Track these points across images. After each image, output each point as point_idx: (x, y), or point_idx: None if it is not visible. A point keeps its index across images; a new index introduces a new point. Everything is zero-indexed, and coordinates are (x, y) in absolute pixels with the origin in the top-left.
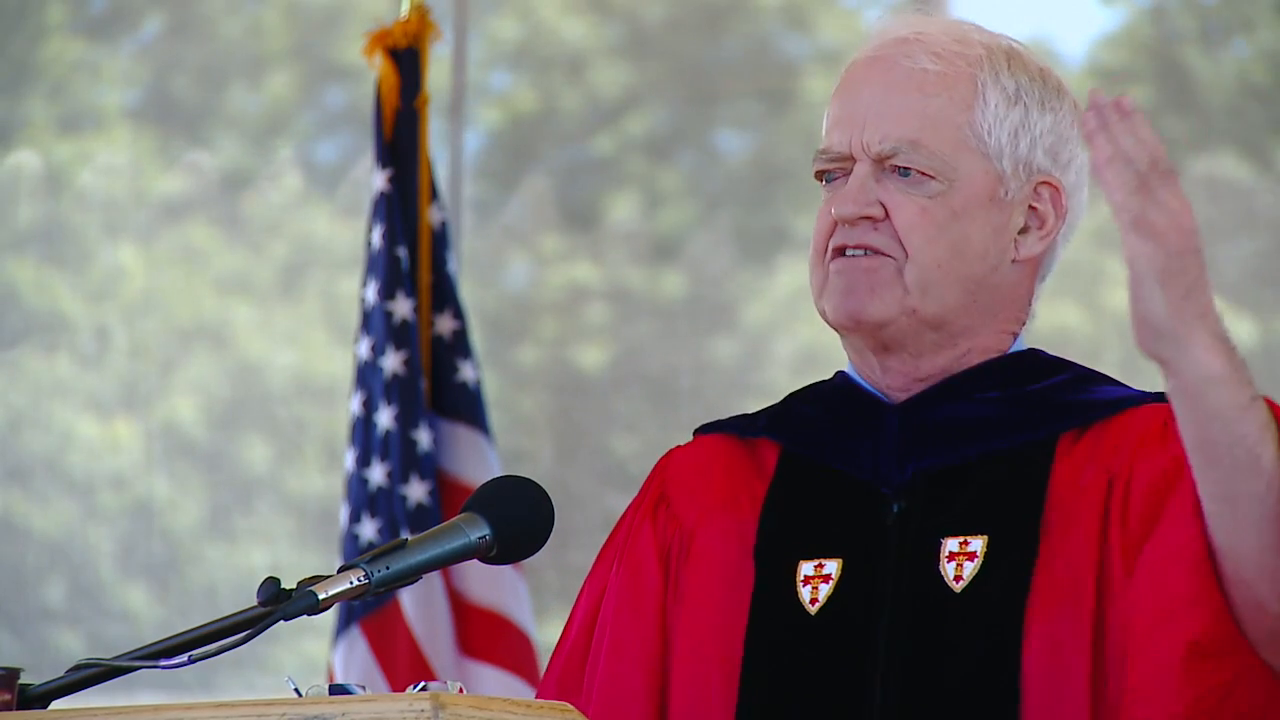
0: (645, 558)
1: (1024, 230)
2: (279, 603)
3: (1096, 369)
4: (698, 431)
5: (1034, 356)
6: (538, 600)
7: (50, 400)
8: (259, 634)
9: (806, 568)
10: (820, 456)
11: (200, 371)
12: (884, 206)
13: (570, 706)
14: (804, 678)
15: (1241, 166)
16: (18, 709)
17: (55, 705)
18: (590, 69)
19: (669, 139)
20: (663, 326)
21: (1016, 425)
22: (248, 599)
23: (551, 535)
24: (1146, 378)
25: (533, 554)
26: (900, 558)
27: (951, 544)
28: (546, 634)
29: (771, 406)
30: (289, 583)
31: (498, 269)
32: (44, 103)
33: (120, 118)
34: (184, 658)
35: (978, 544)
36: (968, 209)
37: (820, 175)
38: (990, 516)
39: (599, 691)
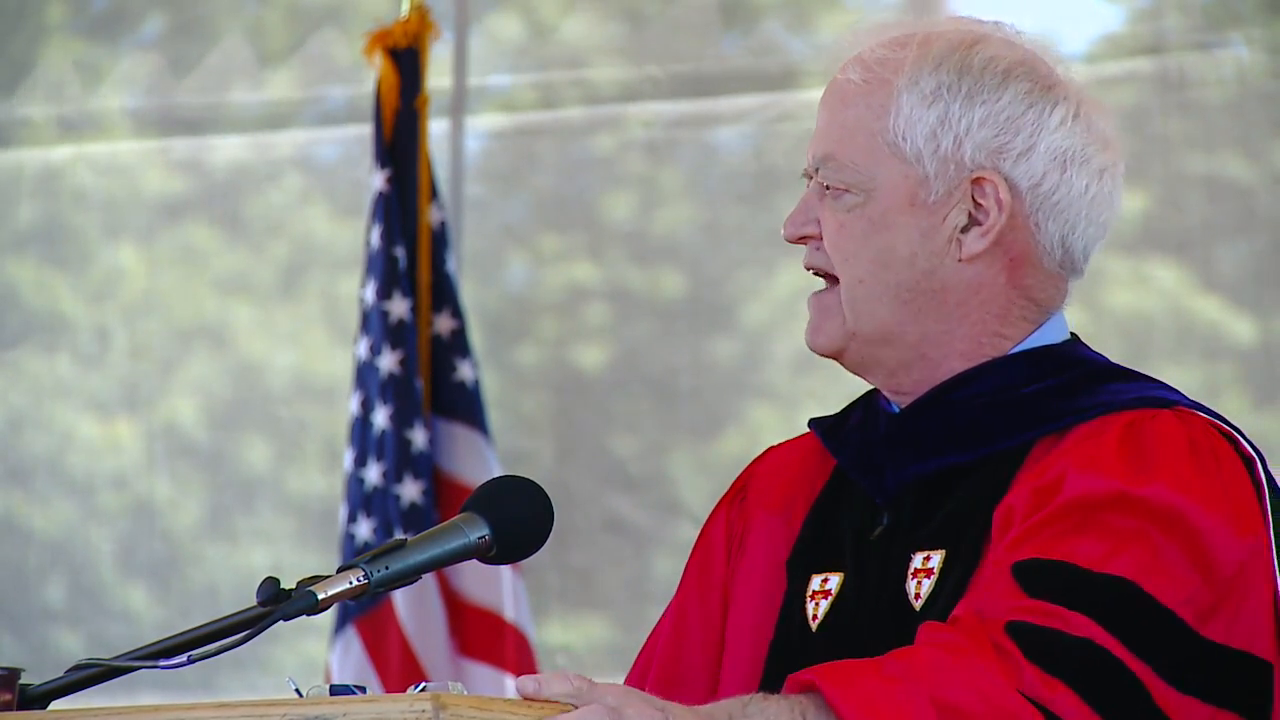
0: (716, 545)
1: (967, 228)
2: (278, 603)
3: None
4: (810, 423)
5: (1041, 354)
6: (538, 601)
7: (51, 401)
8: (258, 634)
9: (815, 582)
10: (846, 466)
11: (200, 372)
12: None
13: (570, 705)
14: None
15: (1241, 166)
16: (18, 709)
17: (55, 705)
18: (590, 68)
19: (669, 139)
20: (662, 326)
21: (992, 432)
22: (248, 599)
23: (551, 535)
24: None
25: (532, 554)
26: (882, 574)
27: (917, 560)
28: (547, 635)
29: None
30: (289, 583)
31: (498, 269)
32: (44, 103)
33: (120, 118)
34: (184, 658)
35: (937, 559)
36: (887, 217)
37: None
38: (952, 530)
39: (659, 660)
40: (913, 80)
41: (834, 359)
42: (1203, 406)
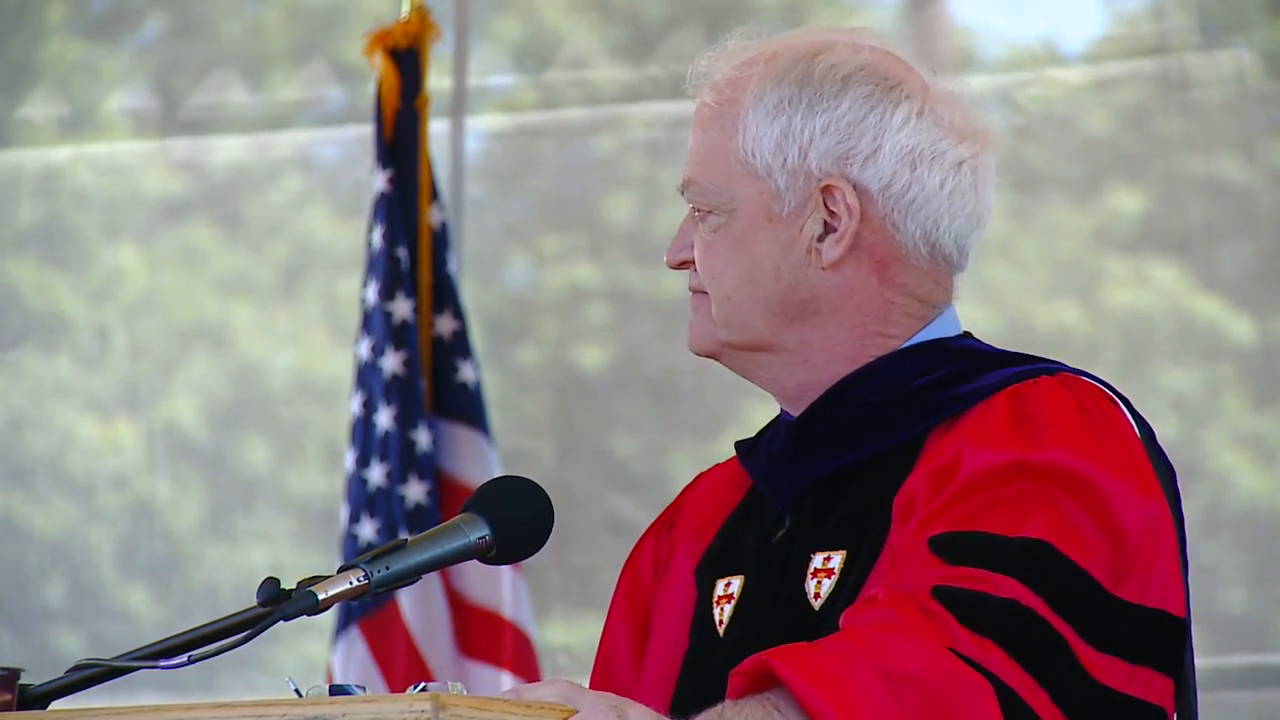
0: (643, 572)
1: (823, 236)
2: (278, 603)
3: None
4: (735, 445)
5: (931, 348)
6: (540, 601)
7: (51, 401)
8: (258, 634)
9: (720, 586)
10: (755, 479)
11: (201, 372)
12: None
13: (569, 706)
14: (714, 701)
15: (1241, 166)
16: (18, 709)
17: (55, 705)
18: (591, 69)
19: (670, 139)
20: (663, 327)
21: (885, 427)
22: (249, 599)
23: (553, 536)
24: (1147, 378)
25: (532, 554)
26: (781, 575)
27: (817, 560)
28: (549, 635)
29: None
30: (290, 583)
31: (498, 269)
32: (44, 103)
33: (121, 118)
34: (184, 658)
35: (837, 560)
36: (748, 234)
37: None
38: (852, 529)
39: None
40: (757, 97)
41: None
42: (1088, 373)
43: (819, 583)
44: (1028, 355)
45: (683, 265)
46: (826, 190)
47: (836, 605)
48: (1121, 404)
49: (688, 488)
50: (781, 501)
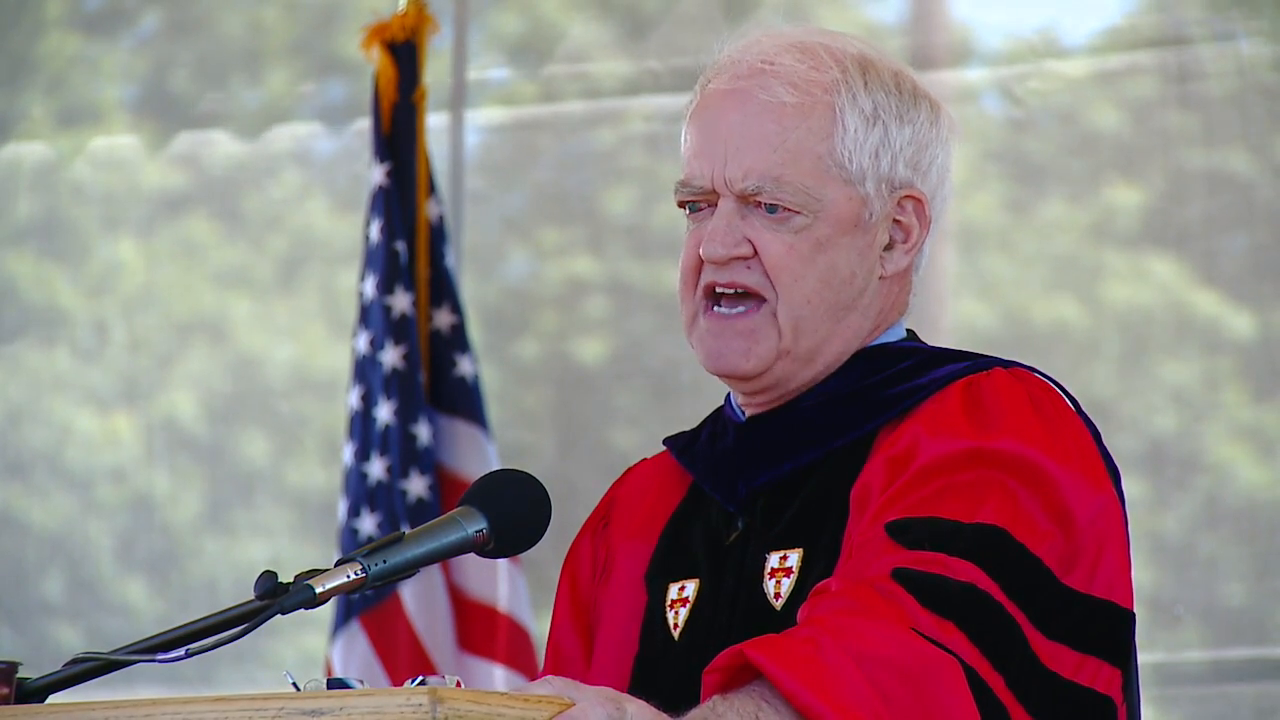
0: (582, 573)
1: (890, 246)
2: (276, 596)
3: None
4: (664, 442)
5: (876, 352)
6: (540, 595)
7: (49, 394)
8: (256, 628)
9: (673, 590)
10: (700, 480)
11: (199, 365)
12: (752, 243)
13: (567, 699)
14: (671, 705)
15: (1242, 160)
16: (15, 702)
17: (53, 699)
18: (590, 62)
19: (669, 133)
20: (663, 320)
21: (834, 429)
22: (248, 593)
23: (554, 529)
24: (1146, 372)
25: (529, 548)
26: (738, 577)
27: (773, 560)
28: (547, 629)
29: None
30: (288, 576)
31: (498, 262)
32: (43, 97)
33: (119, 112)
34: (181, 651)
35: (794, 558)
36: (832, 238)
37: (683, 204)
38: (807, 528)
39: None
40: (851, 100)
41: (741, 380)
42: (1038, 370)
43: (778, 582)
44: (972, 352)
45: (734, 260)
46: (901, 201)
47: (797, 603)
48: (1069, 402)
49: (617, 484)
50: (733, 504)
